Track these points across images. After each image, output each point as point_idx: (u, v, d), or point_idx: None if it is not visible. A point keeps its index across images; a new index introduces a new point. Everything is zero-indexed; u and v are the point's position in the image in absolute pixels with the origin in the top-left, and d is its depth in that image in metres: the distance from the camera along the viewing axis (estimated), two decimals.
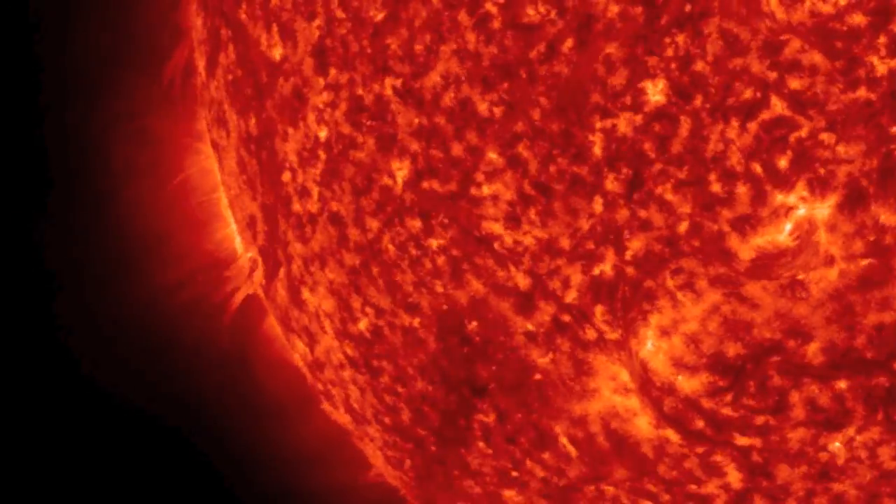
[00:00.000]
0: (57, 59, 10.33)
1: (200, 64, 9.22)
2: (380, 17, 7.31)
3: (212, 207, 10.07)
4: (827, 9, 6.37)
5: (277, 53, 7.93)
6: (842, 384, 6.93)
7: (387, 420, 8.59)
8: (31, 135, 10.32)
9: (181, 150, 10.07)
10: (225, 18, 8.42)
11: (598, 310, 7.12)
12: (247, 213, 8.90)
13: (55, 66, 10.34)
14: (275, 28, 7.88)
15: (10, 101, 10.22)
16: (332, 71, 7.56)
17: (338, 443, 9.86)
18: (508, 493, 8.23)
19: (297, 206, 8.09)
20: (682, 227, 6.77)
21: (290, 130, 7.95)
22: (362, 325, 8.09)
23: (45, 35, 10.28)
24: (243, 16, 8.17)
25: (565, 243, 7.03)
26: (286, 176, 8.08)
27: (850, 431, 7.09)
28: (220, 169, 9.35)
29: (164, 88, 9.98)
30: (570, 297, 7.15)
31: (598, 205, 6.89)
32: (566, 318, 7.22)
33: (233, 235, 9.88)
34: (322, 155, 7.77)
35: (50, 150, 10.38)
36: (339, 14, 7.49)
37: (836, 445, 7.18)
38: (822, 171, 6.53)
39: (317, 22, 7.61)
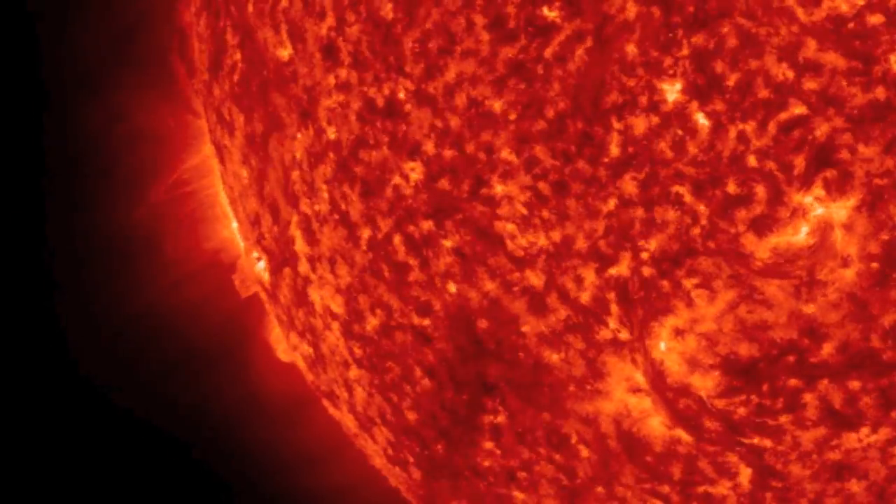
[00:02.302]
0: (56, 58, 10.28)
1: (202, 63, 9.17)
2: (392, 17, 7.28)
3: (212, 207, 10.03)
4: (845, 9, 6.37)
5: (286, 53, 7.89)
6: (856, 384, 6.94)
7: (392, 420, 8.57)
8: (30, 134, 10.27)
9: (181, 149, 10.02)
10: (231, 18, 8.38)
11: (613, 310, 7.11)
12: (251, 213, 8.86)
13: (55, 66, 10.29)
14: (283, 28, 7.84)
15: (11, 101, 10.17)
16: (343, 71, 7.53)
17: (338, 443, 9.84)
18: (517, 494, 8.21)
19: (305, 206, 8.05)
20: (698, 227, 6.76)
21: (299, 130, 7.91)
22: (371, 324, 8.06)
23: (45, 34, 10.23)
24: (251, 16, 8.14)
25: (580, 243, 7.02)
26: (295, 175, 8.05)
27: (864, 431, 7.10)
28: (223, 168, 9.31)
29: (166, 88, 9.94)
30: (585, 297, 7.13)
31: (613, 205, 6.88)
32: (580, 318, 7.21)
33: (234, 235, 9.84)
34: (332, 155, 7.74)
35: (49, 149, 10.33)
36: (350, 14, 7.46)
37: (848, 445, 7.18)
38: (839, 171, 6.53)
39: (327, 22, 7.58)
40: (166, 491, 10.56)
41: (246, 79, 8.32)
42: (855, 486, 7.36)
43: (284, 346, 9.74)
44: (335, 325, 8.45)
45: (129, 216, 10.34)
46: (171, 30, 9.95)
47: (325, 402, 9.48)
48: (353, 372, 8.57)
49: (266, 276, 9.22)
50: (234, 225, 9.72)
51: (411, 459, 8.74)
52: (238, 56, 8.38)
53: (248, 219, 9.02)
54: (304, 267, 8.40)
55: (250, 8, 8.15)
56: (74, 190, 10.34)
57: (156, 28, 10.12)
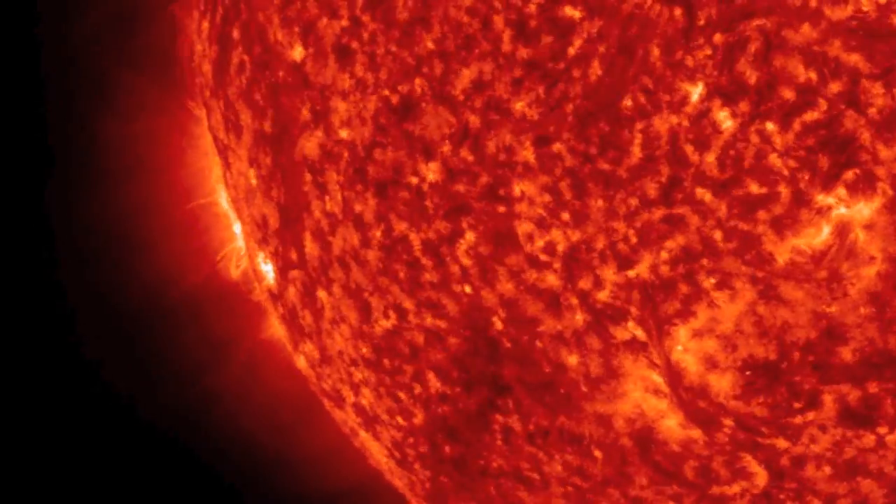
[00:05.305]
0: (58, 59, 10.23)
1: (206, 63, 9.13)
2: (408, 16, 7.26)
3: (212, 207, 10.01)
4: (869, 8, 6.39)
5: (298, 53, 7.86)
6: (874, 385, 6.96)
7: (400, 420, 8.55)
8: (30, 134, 10.22)
9: (181, 149, 9.99)
10: (239, 18, 8.35)
11: (632, 311, 7.10)
12: (258, 214, 8.83)
13: (56, 66, 10.24)
14: (296, 28, 7.82)
15: (12, 101, 10.12)
16: (358, 70, 7.51)
17: (341, 444, 9.82)
18: (527, 495, 8.21)
19: (316, 207, 8.03)
20: (719, 227, 6.77)
21: (312, 130, 7.89)
22: (383, 325, 8.04)
23: (46, 35, 10.18)
24: (260, 15, 8.11)
25: (600, 244, 7.01)
26: (306, 177, 8.02)
27: (881, 432, 7.12)
28: (227, 169, 9.28)
29: (167, 88, 9.90)
30: (603, 297, 7.13)
31: (634, 205, 6.87)
32: (598, 319, 7.20)
33: (236, 236, 9.82)
34: (345, 155, 7.71)
35: (49, 149, 10.29)
36: (365, 13, 7.44)
37: (864, 446, 7.20)
38: (862, 171, 6.55)
39: (341, 22, 7.56)
40: (167, 491, 10.52)
41: (255, 79, 8.29)
42: (869, 486, 7.38)
43: (286, 346, 9.71)
44: (344, 327, 8.43)
45: (129, 217, 10.29)
46: (173, 29, 9.92)
47: (329, 403, 9.46)
48: (362, 373, 8.55)
49: (271, 277, 9.20)
50: (237, 226, 9.69)
51: (419, 461, 8.73)
52: (247, 56, 8.34)
53: (254, 220, 8.99)
54: (313, 268, 8.37)
55: (259, 7, 8.13)
56: (74, 190, 10.30)
57: (157, 27, 10.09)
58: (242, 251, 9.77)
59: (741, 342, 6.96)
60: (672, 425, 7.41)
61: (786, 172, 6.61)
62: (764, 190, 6.66)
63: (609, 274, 7.08)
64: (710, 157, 6.68)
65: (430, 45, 7.17)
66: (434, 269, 7.57)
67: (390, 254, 7.72)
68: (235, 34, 8.42)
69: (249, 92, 8.40)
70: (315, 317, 8.67)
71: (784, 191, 6.64)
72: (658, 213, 6.85)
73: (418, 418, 8.34)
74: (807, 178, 6.60)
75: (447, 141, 7.21)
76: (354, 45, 7.49)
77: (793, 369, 6.96)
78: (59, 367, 10.42)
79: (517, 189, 7.12)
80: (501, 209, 7.19)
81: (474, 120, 7.10)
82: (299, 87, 7.91)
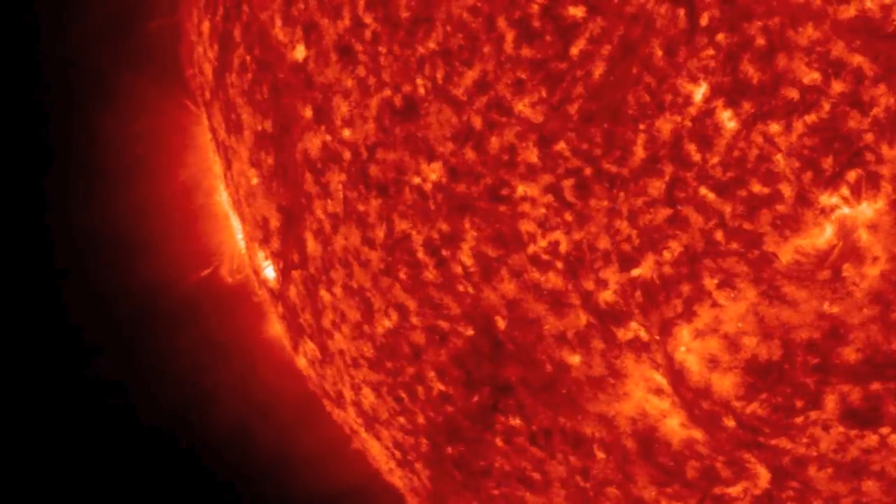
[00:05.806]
0: (59, 59, 10.21)
1: (206, 65, 9.12)
2: (410, 16, 7.25)
3: (213, 207, 9.99)
4: (871, 7, 6.39)
5: (300, 53, 7.85)
6: (877, 385, 6.95)
7: (402, 420, 8.54)
8: (32, 135, 10.20)
9: (182, 149, 9.97)
10: (241, 18, 8.34)
11: (635, 311, 7.10)
12: (259, 214, 8.82)
13: (56, 66, 10.22)
14: (299, 28, 7.81)
15: (12, 101, 10.10)
16: (361, 71, 7.50)
17: (341, 445, 9.81)
18: (528, 495, 8.20)
19: (318, 207, 8.01)
20: (723, 227, 6.76)
21: (314, 130, 7.87)
22: (384, 325, 8.03)
23: (47, 36, 10.17)
24: (262, 15, 8.10)
25: (603, 244, 7.00)
26: (308, 177, 8.01)
27: (884, 432, 7.11)
28: (227, 169, 9.26)
29: (168, 87, 9.89)
30: (607, 297, 7.12)
31: (637, 206, 6.87)
32: (601, 319, 7.20)
33: (236, 235, 9.80)
34: (347, 155, 7.70)
35: (50, 149, 10.27)
36: (368, 13, 7.43)
37: (867, 446, 7.20)
38: (865, 172, 6.54)
39: (343, 23, 7.55)
40: (167, 491, 10.50)
41: (258, 79, 8.27)
42: (871, 486, 7.37)
43: (286, 346, 9.70)
44: (346, 327, 8.42)
45: (129, 217, 10.28)
46: (173, 29, 9.90)
47: (329, 404, 9.44)
48: (363, 373, 8.54)
49: (272, 278, 9.18)
50: (237, 225, 9.68)
51: (420, 461, 8.71)
52: (248, 56, 8.33)
53: (255, 220, 8.97)
54: (314, 268, 8.35)
55: (261, 8, 8.11)
56: (74, 190, 10.28)
57: (157, 28, 10.07)
58: (243, 251, 9.75)
59: (744, 342, 6.95)
60: (674, 425, 7.40)
61: (789, 173, 6.61)
62: (767, 190, 6.66)
63: (612, 274, 7.07)
64: (714, 158, 6.67)
65: (433, 45, 7.16)
66: (436, 269, 7.56)
67: (392, 254, 7.71)
68: (237, 34, 8.40)
69: (250, 92, 8.38)
70: (316, 317, 8.66)
71: (787, 191, 6.64)
72: (661, 214, 6.84)
73: (419, 418, 8.33)
74: (810, 178, 6.59)
75: (450, 141, 7.20)
76: (357, 45, 7.48)
77: (795, 369, 6.96)
78: (60, 368, 10.40)
79: (520, 189, 7.11)
80: (504, 209, 7.18)
81: (477, 120, 7.09)
82: (301, 87, 7.89)
